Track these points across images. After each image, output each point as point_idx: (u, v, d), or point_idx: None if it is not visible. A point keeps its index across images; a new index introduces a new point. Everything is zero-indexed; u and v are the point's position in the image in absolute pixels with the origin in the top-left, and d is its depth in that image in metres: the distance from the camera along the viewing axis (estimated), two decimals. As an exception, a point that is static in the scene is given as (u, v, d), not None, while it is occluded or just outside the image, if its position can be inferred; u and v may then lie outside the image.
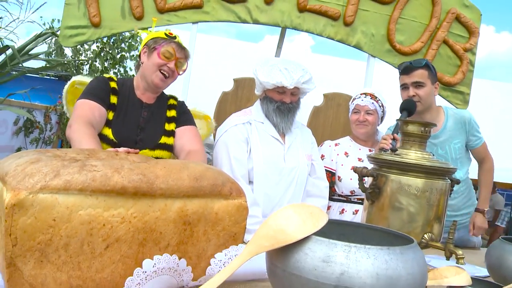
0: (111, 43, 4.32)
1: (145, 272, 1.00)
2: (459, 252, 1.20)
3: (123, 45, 4.54)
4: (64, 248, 0.98)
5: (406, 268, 0.88)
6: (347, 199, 2.21)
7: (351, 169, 2.19)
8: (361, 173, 1.34)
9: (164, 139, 1.79)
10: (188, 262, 1.16)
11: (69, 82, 1.97)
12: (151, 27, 2.94)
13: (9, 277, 0.94)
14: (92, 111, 1.62)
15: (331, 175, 2.23)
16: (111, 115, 1.72)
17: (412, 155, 1.33)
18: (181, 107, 1.92)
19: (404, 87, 2.07)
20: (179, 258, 1.10)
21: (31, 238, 0.94)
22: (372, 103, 2.19)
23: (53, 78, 3.87)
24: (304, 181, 2.08)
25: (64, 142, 4.01)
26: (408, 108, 1.83)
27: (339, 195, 2.23)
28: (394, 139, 1.81)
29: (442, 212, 1.32)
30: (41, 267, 0.96)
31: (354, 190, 2.18)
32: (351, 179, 2.18)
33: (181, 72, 1.79)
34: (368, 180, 1.40)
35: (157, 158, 1.57)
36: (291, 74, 1.98)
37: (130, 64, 4.81)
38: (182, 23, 2.98)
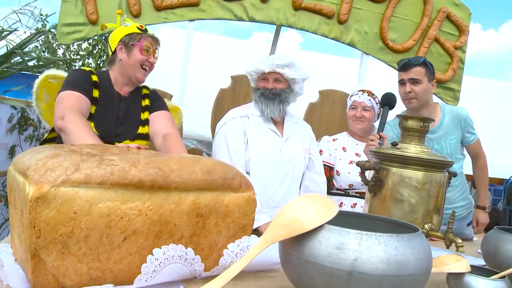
0: (103, 40, 4.31)
1: (157, 259, 1.05)
2: (459, 240, 1.26)
3: None
4: (84, 240, 1.02)
5: (414, 253, 0.93)
6: (345, 192, 2.27)
7: (350, 163, 2.27)
8: (364, 167, 1.39)
9: (141, 129, 1.84)
10: (200, 253, 1.20)
11: (41, 76, 1.91)
12: (150, 24, 2.97)
13: (33, 268, 0.97)
14: (80, 102, 1.64)
15: (329, 170, 2.29)
16: (93, 109, 1.74)
17: (412, 149, 1.39)
18: (153, 95, 1.97)
19: (401, 82, 2.14)
20: (193, 250, 1.15)
21: (53, 230, 0.97)
22: (369, 99, 2.26)
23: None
24: (300, 174, 2.13)
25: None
26: (388, 103, 1.91)
27: (337, 189, 2.29)
28: (380, 137, 1.88)
29: (441, 203, 1.39)
30: (63, 258, 1.00)
31: (352, 184, 2.24)
32: (349, 173, 2.24)
33: (156, 62, 1.87)
34: (370, 173, 1.46)
35: None
36: (267, 59, 2.08)
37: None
38: (179, 21, 3.01)
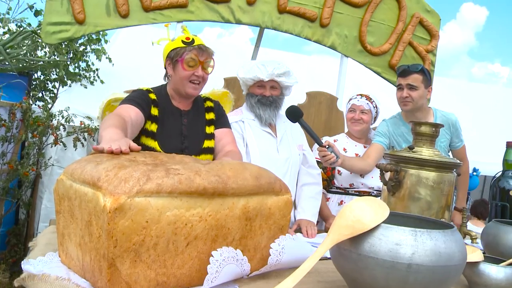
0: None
1: (217, 260, 1.11)
2: (473, 233, 1.41)
3: (83, 38, 4.40)
4: (154, 248, 1.06)
5: (457, 246, 1.06)
6: (345, 191, 2.40)
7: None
8: (385, 169, 1.52)
9: (206, 143, 1.83)
10: (247, 254, 1.27)
11: (105, 101, 1.95)
12: (137, 25, 2.96)
13: (110, 277, 1.00)
14: (127, 110, 1.62)
15: (331, 169, 2.41)
16: (154, 127, 1.73)
17: (426, 152, 1.53)
18: (218, 109, 1.96)
19: (399, 87, 2.29)
20: (241, 251, 1.22)
21: (128, 239, 1.01)
22: (367, 103, 2.40)
23: (13, 73, 3.70)
24: (297, 170, 2.24)
25: (27, 141, 3.85)
26: (297, 116, 2.04)
27: (338, 188, 2.42)
28: (328, 146, 2.02)
29: (451, 200, 1.54)
30: (135, 266, 1.04)
31: (352, 183, 2.37)
32: (350, 173, 2.37)
33: (210, 72, 1.81)
34: (386, 175, 1.59)
35: None
36: (266, 68, 2.15)
37: (92, 58, 4.67)
38: (166, 22, 3.01)
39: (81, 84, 4.53)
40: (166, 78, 1.86)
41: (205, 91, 2.07)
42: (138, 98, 1.71)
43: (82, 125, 3.78)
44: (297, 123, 2.08)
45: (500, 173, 1.90)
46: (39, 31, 3.34)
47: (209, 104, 1.94)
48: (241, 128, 2.17)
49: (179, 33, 1.87)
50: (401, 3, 3.42)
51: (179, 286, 1.13)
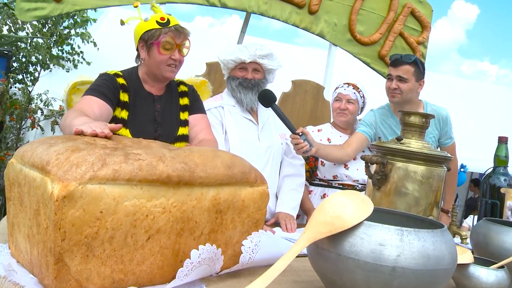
0: (53, 18, 4.00)
1: (192, 262, 1.00)
2: (463, 233, 1.32)
3: (68, 21, 4.24)
4: (109, 241, 0.94)
5: (447, 248, 0.96)
6: (328, 184, 2.30)
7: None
8: (370, 161, 1.41)
9: (181, 130, 1.71)
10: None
11: (70, 84, 1.80)
12: (118, 5, 2.81)
13: (57, 273, 0.89)
14: (90, 105, 1.49)
15: (314, 159, 2.30)
16: (125, 114, 1.60)
17: (415, 144, 1.43)
18: (192, 93, 1.83)
19: (389, 77, 2.17)
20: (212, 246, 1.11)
21: (78, 231, 0.89)
22: (354, 93, 2.29)
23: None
24: (279, 160, 2.14)
25: (4, 124, 3.69)
26: (269, 101, 1.92)
27: (321, 180, 2.31)
28: (302, 133, 1.91)
29: (440, 197, 1.45)
30: (87, 261, 0.92)
31: (336, 175, 2.27)
32: (334, 164, 2.27)
33: (186, 54, 1.68)
34: (372, 167, 1.48)
35: None
36: (248, 49, 2.04)
37: (78, 41, 4.49)
38: (148, 3, 2.86)
39: (63, 68, 4.36)
40: (138, 60, 1.72)
41: (183, 78, 1.93)
42: (102, 86, 1.57)
43: (61, 109, 3.63)
44: (273, 106, 1.95)
45: (491, 169, 1.81)
46: (13, 5, 3.17)
47: (183, 88, 1.81)
48: (220, 114, 2.05)
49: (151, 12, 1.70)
50: (393, -8, 3.31)
51: (138, 284, 1.02)
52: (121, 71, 1.68)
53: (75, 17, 4.40)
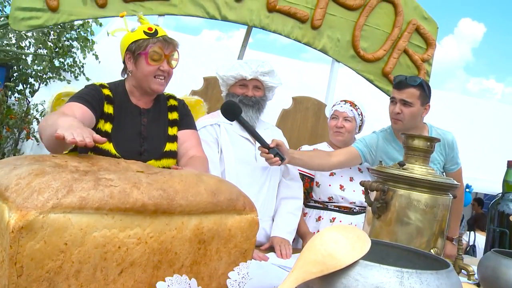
0: (57, 30, 3.95)
1: (166, 298, 0.90)
2: (470, 268, 1.21)
3: (71, 32, 4.21)
4: (75, 276, 0.85)
5: (453, 292, 0.86)
6: (323, 206, 2.19)
7: (331, 175, 2.20)
8: (370, 187, 1.31)
9: (169, 146, 1.62)
10: (200, 283, 1.07)
11: (54, 95, 1.75)
12: (116, 16, 2.75)
13: (11, 314, 0.79)
14: (72, 109, 1.40)
15: (309, 181, 2.20)
16: (109, 127, 1.52)
17: (418, 170, 1.33)
18: (182, 108, 1.75)
19: (392, 100, 2.03)
20: (190, 279, 1.01)
21: (39, 266, 0.80)
22: (351, 110, 2.19)
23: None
24: (277, 181, 2.04)
25: (1, 134, 3.62)
26: (234, 114, 1.81)
27: (316, 201, 2.21)
28: (277, 145, 1.81)
29: (445, 227, 1.34)
30: (48, 299, 0.82)
31: (332, 197, 2.17)
32: (329, 185, 2.16)
33: (174, 66, 1.61)
34: (371, 194, 1.38)
35: (163, 167, 1.42)
36: (249, 65, 1.96)
37: (79, 54, 4.45)
38: (148, 15, 2.80)
39: (62, 81, 4.32)
40: (125, 73, 1.65)
41: (178, 97, 1.85)
42: (87, 94, 1.50)
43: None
44: (240, 119, 1.85)
45: (500, 195, 1.70)
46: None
47: (172, 102, 1.73)
48: (216, 132, 1.96)
49: (137, 24, 1.63)
50: (398, 8, 3.24)
51: (109, 323, 0.92)
52: (107, 83, 1.61)
53: (78, 30, 4.37)
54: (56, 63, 4.39)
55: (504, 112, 8.94)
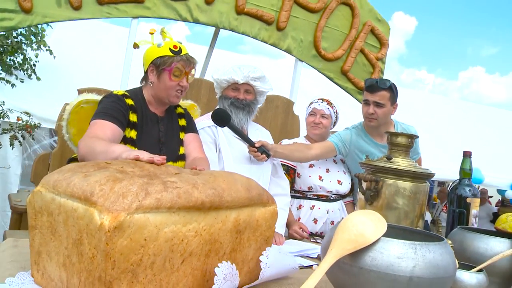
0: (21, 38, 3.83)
1: (220, 279, 1.07)
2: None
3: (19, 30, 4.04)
4: (151, 267, 0.99)
5: (451, 258, 1.10)
6: (303, 195, 2.42)
7: (310, 166, 2.43)
8: (364, 179, 1.54)
9: (181, 150, 1.81)
10: (236, 267, 1.24)
11: (74, 102, 1.81)
12: (90, 18, 2.78)
13: (106, 301, 0.92)
14: (103, 129, 1.54)
15: (293, 172, 2.42)
16: (134, 134, 1.66)
17: (402, 163, 1.58)
18: (188, 114, 1.94)
19: (365, 102, 2.28)
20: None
21: (126, 259, 0.93)
22: (328, 108, 2.43)
23: None
24: (268, 179, 2.23)
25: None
26: (225, 121, 2.02)
27: (296, 191, 2.43)
28: (262, 145, 2.06)
29: (424, 209, 1.61)
30: (132, 287, 0.96)
31: (311, 186, 2.39)
32: (309, 176, 2.39)
33: (191, 81, 1.80)
34: (364, 184, 1.61)
35: None
36: (242, 70, 2.13)
37: (31, 53, 4.31)
38: (122, 17, 2.85)
39: (17, 78, 4.17)
40: (145, 82, 1.79)
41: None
42: (113, 109, 1.62)
43: (20, 121, 3.48)
44: (229, 125, 2.04)
45: (458, 181, 2.01)
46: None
47: (180, 110, 1.93)
48: (214, 133, 2.11)
49: (159, 36, 1.77)
50: (355, 11, 3.52)
51: (172, 305, 1.07)
52: (127, 92, 1.73)
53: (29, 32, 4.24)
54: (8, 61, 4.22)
55: (435, 102, 9.71)
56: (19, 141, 3.47)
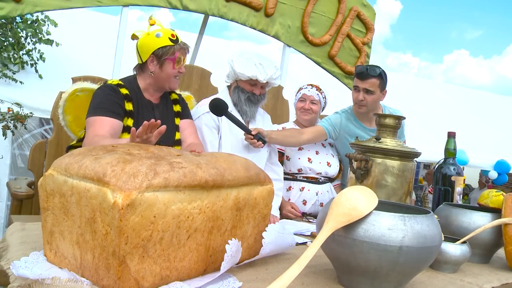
0: (2, 21, 3.76)
1: (229, 256, 1.14)
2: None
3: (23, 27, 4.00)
4: (160, 242, 1.06)
5: (437, 229, 1.19)
6: (293, 177, 2.50)
7: (299, 149, 2.51)
8: (355, 158, 1.63)
9: (177, 135, 1.87)
10: (237, 244, 1.31)
11: (69, 90, 1.86)
12: (81, 7, 2.79)
13: (120, 274, 0.99)
14: (102, 126, 1.61)
15: (281, 155, 2.49)
16: (131, 122, 1.73)
17: (390, 143, 1.67)
18: (182, 101, 2.00)
19: (355, 89, 2.34)
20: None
21: (137, 235, 1.00)
22: (317, 94, 2.50)
23: None
24: (263, 166, 2.31)
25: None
26: (222, 110, 2.05)
27: (286, 173, 2.51)
28: (259, 132, 2.14)
29: (412, 186, 1.70)
30: (143, 261, 1.03)
31: (301, 169, 2.48)
32: (299, 158, 2.47)
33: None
34: (354, 163, 1.70)
35: None
36: (265, 69, 2.16)
37: (32, 46, 4.27)
38: (112, 5, 2.87)
39: (10, 70, 4.14)
40: (141, 71, 1.83)
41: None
42: (109, 103, 1.68)
43: (11, 112, 3.48)
44: (226, 114, 2.10)
45: (442, 160, 2.11)
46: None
47: (174, 96, 1.99)
48: (218, 119, 2.16)
49: (146, 23, 1.83)
50: (341, -3, 3.58)
51: (179, 278, 1.14)
52: (121, 80, 1.77)
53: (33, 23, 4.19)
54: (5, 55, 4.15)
55: (421, 86, 9.85)
56: (12, 131, 3.47)
